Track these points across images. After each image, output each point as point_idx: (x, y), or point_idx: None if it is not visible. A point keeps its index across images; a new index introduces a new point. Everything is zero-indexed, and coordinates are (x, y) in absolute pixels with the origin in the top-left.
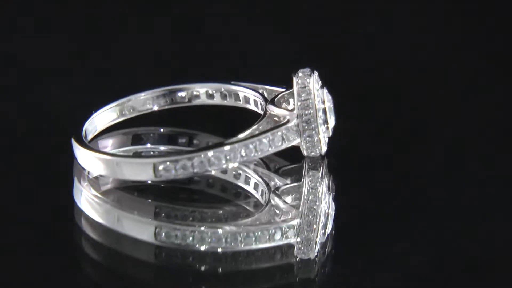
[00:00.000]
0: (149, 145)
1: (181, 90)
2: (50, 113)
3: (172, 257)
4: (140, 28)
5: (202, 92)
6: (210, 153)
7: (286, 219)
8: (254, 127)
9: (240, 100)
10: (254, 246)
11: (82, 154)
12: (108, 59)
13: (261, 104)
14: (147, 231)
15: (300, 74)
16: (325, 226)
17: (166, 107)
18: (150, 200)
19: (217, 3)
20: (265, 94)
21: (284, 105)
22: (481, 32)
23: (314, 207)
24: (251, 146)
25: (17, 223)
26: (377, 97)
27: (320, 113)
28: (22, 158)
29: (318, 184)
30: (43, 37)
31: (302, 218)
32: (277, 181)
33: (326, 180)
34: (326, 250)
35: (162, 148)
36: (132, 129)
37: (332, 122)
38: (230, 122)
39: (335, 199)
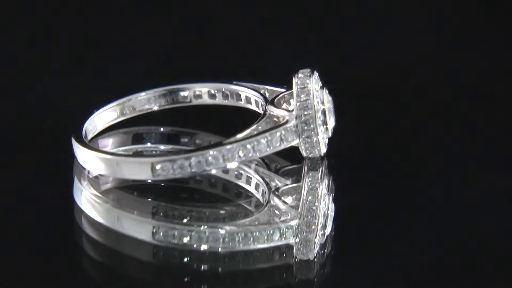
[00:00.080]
0: (149, 144)
1: (182, 90)
2: (50, 113)
3: (170, 257)
4: (140, 28)
5: (204, 92)
6: (208, 153)
7: (285, 220)
8: (253, 127)
9: (241, 100)
10: (252, 247)
11: (82, 154)
12: (108, 59)
13: (262, 104)
14: (145, 231)
15: (300, 75)
16: (324, 227)
17: (167, 106)
18: (150, 199)
19: (218, 3)
20: (267, 95)
21: (285, 105)
22: (481, 32)
23: (313, 207)
24: (249, 146)
25: (17, 223)
26: (377, 97)
27: (319, 114)
28: (22, 158)
29: (317, 185)
30: (43, 37)
31: (301, 218)
32: (277, 181)
33: (325, 181)
34: (326, 251)
35: (162, 147)
36: (132, 128)
37: (331, 123)
38: (231, 122)
39: (334, 200)
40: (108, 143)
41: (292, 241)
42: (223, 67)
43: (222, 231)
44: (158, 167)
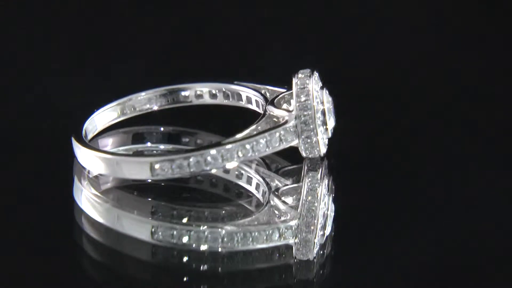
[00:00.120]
0: (149, 144)
1: (183, 89)
2: (50, 113)
3: (169, 257)
4: (140, 28)
5: (205, 92)
6: (207, 153)
7: (284, 220)
8: (253, 127)
9: (242, 100)
10: (251, 247)
11: (82, 153)
12: (108, 59)
13: (262, 104)
14: (144, 230)
15: (300, 75)
16: (324, 227)
17: (168, 106)
18: (150, 199)
19: (218, 3)
20: (268, 95)
21: (285, 105)
22: (481, 32)
23: (313, 208)
24: (248, 146)
25: (17, 223)
26: (377, 97)
27: (319, 114)
28: (22, 158)
29: (317, 185)
30: (43, 37)
31: (301, 219)
32: (277, 181)
33: (325, 181)
34: (325, 251)
35: (162, 147)
36: (132, 128)
37: (331, 123)
38: (232, 122)
39: (334, 200)
40: (108, 142)
41: (291, 241)
42: (223, 67)
43: (221, 231)
44: (157, 166)
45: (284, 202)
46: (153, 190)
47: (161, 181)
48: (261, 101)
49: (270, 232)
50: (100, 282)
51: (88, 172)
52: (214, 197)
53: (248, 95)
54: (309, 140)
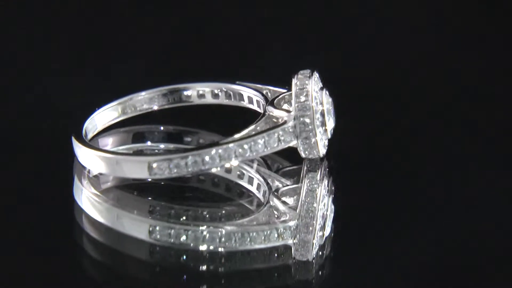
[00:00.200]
0: (149, 143)
1: (186, 89)
2: (50, 113)
3: (168, 256)
4: (140, 28)
5: (207, 92)
6: (204, 153)
7: (283, 221)
8: (252, 127)
9: (244, 100)
10: (249, 247)
11: (82, 152)
12: (108, 59)
13: (263, 105)
14: (142, 229)
15: (299, 76)
16: (323, 228)
17: (169, 106)
18: (150, 198)
19: (218, 3)
20: (269, 95)
21: (285, 106)
22: (481, 32)
23: (312, 209)
24: (246, 146)
25: (17, 223)
26: (377, 97)
27: (318, 115)
28: (22, 158)
29: (316, 186)
30: (43, 37)
31: (299, 219)
32: (278, 182)
33: (325, 182)
34: (325, 252)
35: (162, 146)
36: (133, 127)
37: (331, 124)
38: (234, 122)
39: (334, 201)
40: (108, 142)
41: (290, 242)
42: (223, 67)
43: (218, 231)
44: (154, 166)
45: (283, 202)
46: (154, 190)
47: (161, 180)
48: (262, 101)
49: (269, 232)
50: (100, 282)
51: (88, 171)
52: (216, 196)
53: (250, 95)
54: (307, 141)
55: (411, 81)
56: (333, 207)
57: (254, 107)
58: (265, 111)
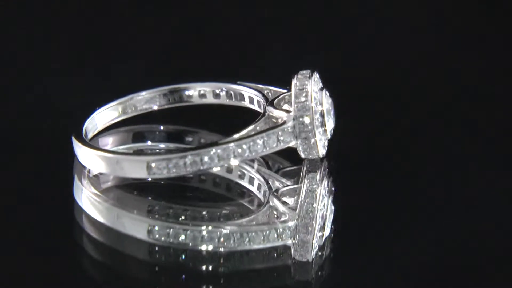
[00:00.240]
0: (149, 143)
1: (187, 89)
2: (50, 113)
3: (167, 256)
4: (140, 28)
5: (209, 91)
6: (203, 153)
7: (282, 221)
8: (251, 127)
9: (245, 100)
10: (248, 247)
11: (82, 152)
12: (108, 59)
13: (263, 105)
14: (141, 229)
15: (299, 76)
16: (322, 228)
17: (169, 106)
18: (150, 198)
19: (218, 3)
20: (270, 95)
21: (286, 106)
22: (481, 32)
23: (311, 209)
24: (244, 146)
25: (17, 223)
26: (377, 97)
27: (317, 116)
28: (22, 158)
29: (315, 186)
30: (43, 37)
31: (299, 220)
32: (279, 182)
33: (325, 182)
34: (324, 252)
35: (162, 145)
36: (133, 126)
37: (330, 125)
38: (235, 121)
39: (334, 201)
40: (108, 141)
41: (289, 242)
42: (223, 67)
43: (217, 231)
44: (153, 165)
45: (283, 203)
46: (154, 189)
47: (161, 180)
48: (262, 101)
49: (268, 232)
50: (100, 281)
51: (88, 171)
52: (217, 196)
53: (250, 96)
54: (307, 141)
55: (411, 81)
56: (333, 207)
57: (255, 107)
58: (265, 111)
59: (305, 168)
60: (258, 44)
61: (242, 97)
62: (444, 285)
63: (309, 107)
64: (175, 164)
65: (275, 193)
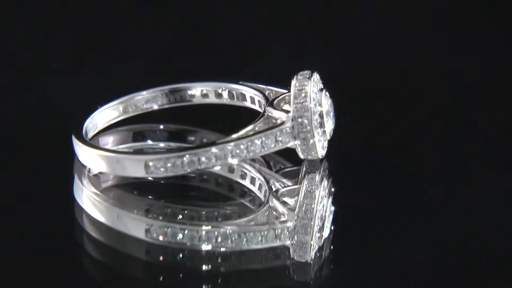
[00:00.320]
0: (149, 142)
1: (189, 88)
2: (50, 113)
3: (165, 255)
4: (140, 28)
5: (211, 91)
6: (200, 152)
7: (281, 221)
8: (250, 127)
9: (246, 101)
10: (246, 247)
11: (82, 151)
12: (108, 59)
13: (264, 105)
14: (139, 228)
15: (299, 77)
16: (321, 229)
17: (170, 105)
18: (150, 197)
19: (218, 3)
20: (271, 96)
21: (286, 106)
22: (481, 32)
23: (310, 210)
24: (242, 146)
25: (17, 223)
26: (377, 97)
27: (316, 116)
28: (22, 158)
29: (314, 187)
30: (43, 37)
31: (297, 220)
32: (279, 182)
33: (324, 183)
34: (323, 253)
35: (162, 145)
36: (133, 126)
37: (330, 126)
38: (234, 121)
39: (334, 201)
40: (108, 141)
41: (288, 242)
42: (223, 67)
43: (215, 230)
44: (151, 164)
45: (283, 203)
46: (154, 189)
47: (160, 179)
48: (263, 101)
49: (266, 233)
50: (100, 281)
51: (89, 170)
52: (218, 196)
53: (252, 96)
54: (305, 142)
55: (411, 81)
56: (332, 208)
57: (256, 107)
58: (264, 111)
59: (304, 169)
60: (258, 44)
61: (243, 97)
62: (444, 285)
63: (307, 108)
64: (173, 163)
65: (275, 194)
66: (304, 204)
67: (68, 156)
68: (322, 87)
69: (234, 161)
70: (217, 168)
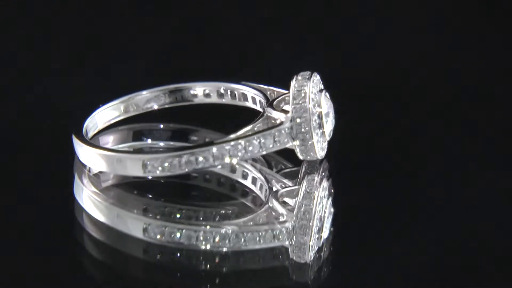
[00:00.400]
0: (149, 141)
1: (189, 88)
2: (50, 113)
3: (163, 255)
4: (140, 28)
5: (213, 91)
6: (198, 152)
7: (280, 222)
8: (249, 127)
9: (248, 101)
10: (244, 247)
11: (83, 151)
12: (108, 59)
13: (264, 105)
14: (137, 228)
15: (298, 77)
16: (320, 230)
17: (170, 105)
18: (150, 196)
19: (218, 3)
20: (273, 96)
21: (286, 107)
22: (481, 32)
23: (308, 210)
24: (240, 146)
25: (17, 223)
26: (377, 97)
27: (315, 117)
28: (22, 158)
29: (314, 188)
30: (43, 37)
31: (296, 221)
32: (280, 183)
33: (324, 184)
34: (322, 253)
35: (162, 144)
36: (133, 125)
37: (329, 126)
38: (234, 121)
39: (334, 202)
40: (109, 140)
41: (286, 243)
42: (223, 67)
43: (213, 231)
44: (148, 163)
45: (282, 203)
46: (155, 188)
47: (162, 178)
48: (264, 102)
49: (264, 233)
50: (100, 281)
51: (89, 170)
52: (218, 196)
53: (253, 96)
54: (304, 143)
55: (411, 81)
56: (332, 209)
57: (258, 107)
58: (264, 111)
59: (303, 170)
60: (258, 44)
61: (245, 97)
62: (444, 285)
63: (306, 109)
64: (170, 163)
65: (275, 194)
66: (303, 205)
67: (68, 156)
68: (322, 87)
69: (232, 161)
70: (218, 167)
